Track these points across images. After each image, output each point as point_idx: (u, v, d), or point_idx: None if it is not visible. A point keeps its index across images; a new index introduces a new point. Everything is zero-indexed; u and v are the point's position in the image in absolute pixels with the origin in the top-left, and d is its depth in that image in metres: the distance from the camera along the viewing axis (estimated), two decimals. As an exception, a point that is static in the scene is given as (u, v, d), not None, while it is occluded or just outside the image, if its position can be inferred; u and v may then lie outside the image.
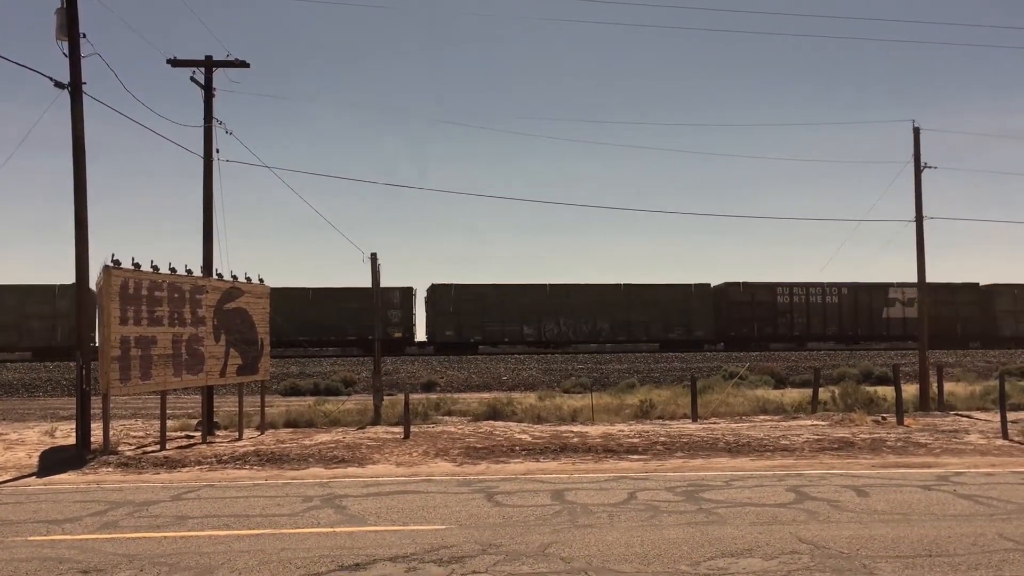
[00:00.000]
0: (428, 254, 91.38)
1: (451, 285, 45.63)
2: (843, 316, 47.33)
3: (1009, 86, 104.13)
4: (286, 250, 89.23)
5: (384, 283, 23.40)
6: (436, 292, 45.66)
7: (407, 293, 45.54)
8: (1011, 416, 17.70)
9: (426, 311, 46.53)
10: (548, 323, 46.02)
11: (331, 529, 8.87)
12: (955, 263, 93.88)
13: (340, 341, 45.05)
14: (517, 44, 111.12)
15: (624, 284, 46.88)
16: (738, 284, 46.88)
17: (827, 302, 47.19)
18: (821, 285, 47.12)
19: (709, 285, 47.42)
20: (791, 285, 47.12)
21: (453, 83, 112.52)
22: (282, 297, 42.76)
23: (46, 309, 41.94)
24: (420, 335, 46.65)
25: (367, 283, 23.33)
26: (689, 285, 46.89)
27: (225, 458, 14.64)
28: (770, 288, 47.14)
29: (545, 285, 46.56)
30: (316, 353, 43.41)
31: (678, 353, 42.99)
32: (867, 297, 47.48)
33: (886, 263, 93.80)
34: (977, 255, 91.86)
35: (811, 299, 47.19)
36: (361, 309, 42.14)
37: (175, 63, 20.06)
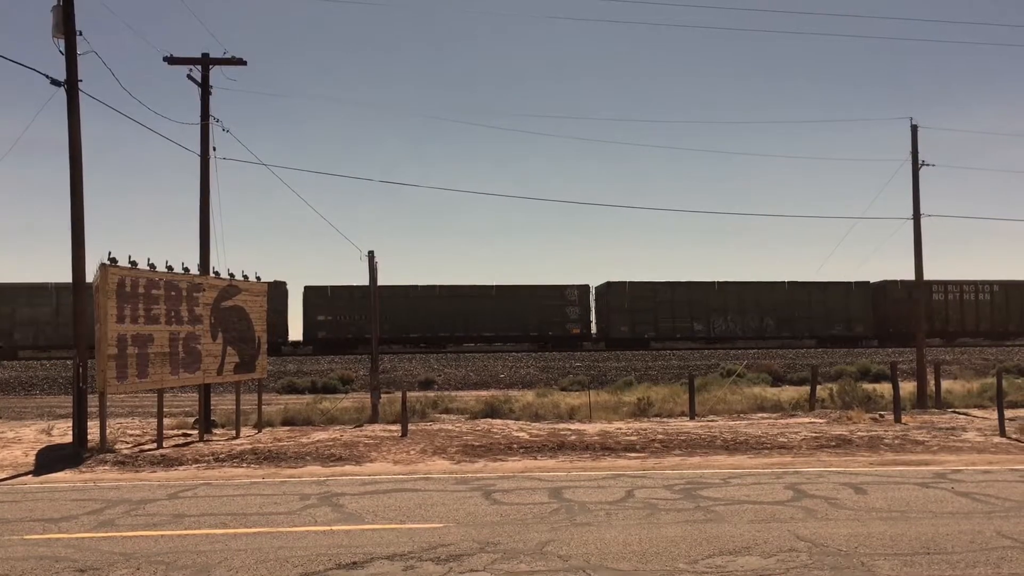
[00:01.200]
0: (430, 252, 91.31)
1: (625, 282, 46.40)
2: (994, 313, 48.33)
3: (1011, 86, 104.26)
4: (284, 247, 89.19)
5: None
6: (610, 289, 46.41)
7: (584, 290, 46.50)
8: (1008, 413, 17.72)
9: (596, 308, 47.15)
10: (717, 319, 46.89)
11: (328, 527, 8.86)
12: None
13: (488, 337, 45.88)
14: (521, 42, 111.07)
15: (788, 282, 47.58)
16: (896, 282, 47.54)
17: (979, 299, 48.29)
18: (974, 283, 48.23)
19: (868, 283, 48.31)
20: (945, 283, 48.03)
21: (453, 81, 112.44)
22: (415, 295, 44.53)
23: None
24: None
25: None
26: (849, 283, 47.74)
27: (222, 456, 14.62)
28: (926, 285, 47.49)
29: (714, 282, 47.35)
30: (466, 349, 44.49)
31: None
32: (1018, 294, 48.45)
33: (893, 260, 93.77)
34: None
35: (964, 296, 48.23)
36: (515, 307, 44.74)
37: (172, 61, 20.02)
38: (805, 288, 47.18)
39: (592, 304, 47.09)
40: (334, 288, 44.72)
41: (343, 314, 44.35)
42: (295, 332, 45.73)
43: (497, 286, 46.26)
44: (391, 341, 43.92)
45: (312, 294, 44.84)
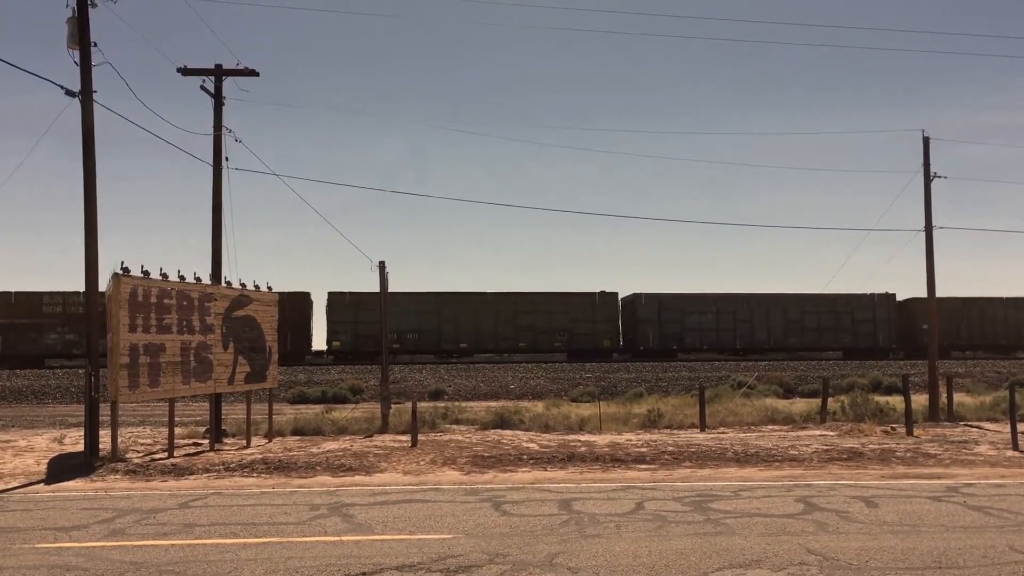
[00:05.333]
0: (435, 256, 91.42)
1: (655, 294, 46.48)
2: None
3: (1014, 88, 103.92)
4: (292, 255, 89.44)
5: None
6: (638, 300, 46.47)
7: (612, 299, 46.45)
8: (1021, 427, 17.55)
9: (623, 318, 47.00)
10: (743, 330, 46.86)
11: (338, 538, 8.86)
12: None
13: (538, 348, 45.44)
14: (521, 52, 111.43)
15: (816, 294, 46.03)
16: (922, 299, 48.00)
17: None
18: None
19: (894, 295, 48.31)
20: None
21: (457, 91, 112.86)
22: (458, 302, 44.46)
23: None
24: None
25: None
26: (873, 295, 47.49)
27: (233, 466, 14.65)
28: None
29: (742, 294, 47.36)
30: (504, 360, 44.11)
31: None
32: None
33: (908, 272, 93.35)
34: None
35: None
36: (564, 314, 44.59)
37: (186, 72, 20.16)
38: (830, 300, 46.86)
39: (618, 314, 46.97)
40: (356, 295, 44.10)
41: (367, 323, 43.88)
42: (318, 341, 45.67)
43: (524, 293, 45.86)
44: (417, 351, 44.14)
45: (336, 301, 44.43)
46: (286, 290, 39.75)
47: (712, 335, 46.47)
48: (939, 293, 25.68)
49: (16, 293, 41.92)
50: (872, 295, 47.29)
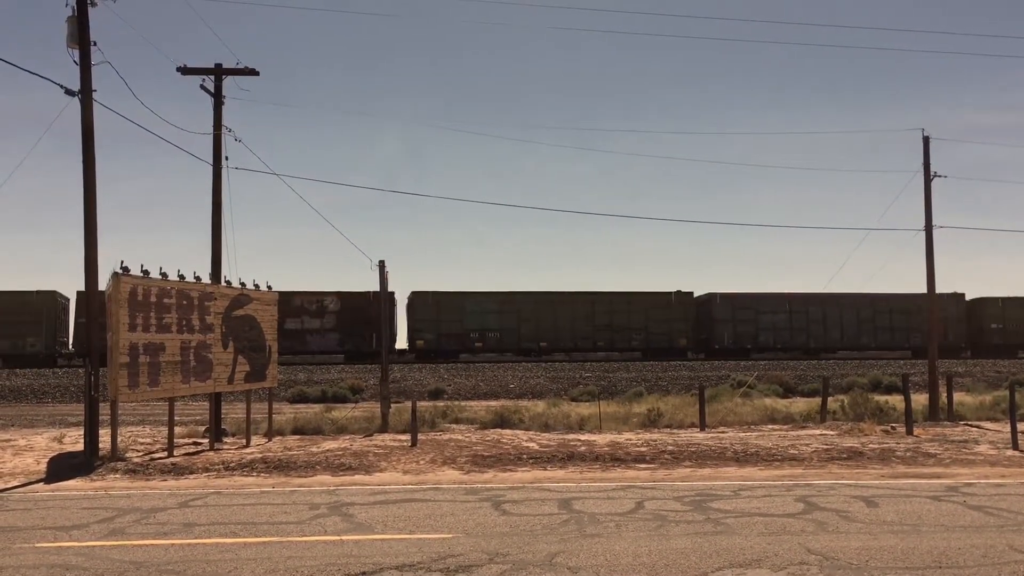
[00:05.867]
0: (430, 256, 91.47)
1: (729, 294, 46.99)
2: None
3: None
4: (291, 254, 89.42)
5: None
6: (713, 299, 46.83)
7: (687, 298, 46.85)
8: (1021, 426, 17.54)
9: (697, 317, 47.30)
10: (816, 330, 47.21)
11: (338, 537, 8.86)
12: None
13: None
14: (520, 52, 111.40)
15: (887, 294, 47.06)
16: (996, 299, 48.69)
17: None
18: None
19: (963, 296, 48.79)
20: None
21: (457, 90, 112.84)
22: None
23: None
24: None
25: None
26: (944, 294, 47.53)
27: (232, 465, 14.65)
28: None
29: (815, 294, 46.33)
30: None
31: (687, 362, 43.42)
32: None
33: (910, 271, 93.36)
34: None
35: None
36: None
37: (185, 71, 20.14)
38: (902, 300, 47.16)
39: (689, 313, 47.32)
40: (438, 294, 44.89)
41: (449, 322, 44.73)
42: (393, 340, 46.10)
43: (602, 292, 46.43)
44: (499, 349, 44.64)
45: (418, 300, 45.02)
46: (369, 289, 41.70)
47: (786, 334, 46.92)
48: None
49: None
50: (942, 295, 47.31)
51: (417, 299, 44.41)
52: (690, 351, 46.18)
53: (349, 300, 43.62)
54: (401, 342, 44.52)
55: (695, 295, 46.92)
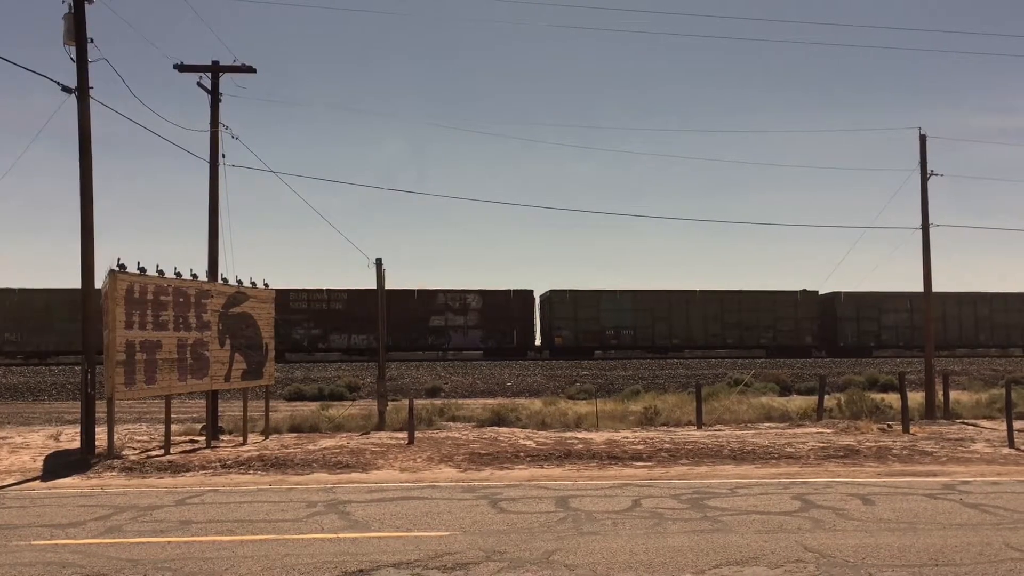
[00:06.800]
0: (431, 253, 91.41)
1: (853, 292, 47.27)
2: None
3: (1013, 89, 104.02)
4: (287, 251, 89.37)
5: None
6: (837, 298, 47.70)
7: (811, 296, 47.47)
8: (1017, 425, 17.61)
9: (821, 316, 48.07)
10: (938, 327, 47.62)
11: (335, 535, 8.86)
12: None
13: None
14: (519, 50, 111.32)
15: (992, 293, 48.40)
16: None
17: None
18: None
19: None
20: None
21: (454, 89, 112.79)
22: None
23: None
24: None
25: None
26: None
27: (229, 463, 14.64)
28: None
29: (940, 293, 47.41)
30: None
31: (685, 360, 43.67)
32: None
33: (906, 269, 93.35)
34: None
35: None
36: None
37: (182, 68, 20.08)
38: (1020, 298, 48.15)
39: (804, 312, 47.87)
40: (575, 292, 45.93)
41: (586, 320, 45.68)
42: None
43: (731, 291, 47.25)
44: (633, 347, 45.65)
45: (556, 298, 45.97)
46: (495, 287, 44.82)
47: (907, 333, 47.50)
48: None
49: None
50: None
51: (555, 297, 45.84)
52: (815, 349, 46.92)
53: (491, 298, 45.19)
54: (529, 339, 46.24)
55: (819, 293, 47.67)
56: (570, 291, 45.65)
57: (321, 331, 43.54)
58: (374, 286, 22.55)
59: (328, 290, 44.28)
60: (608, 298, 45.93)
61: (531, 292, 46.02)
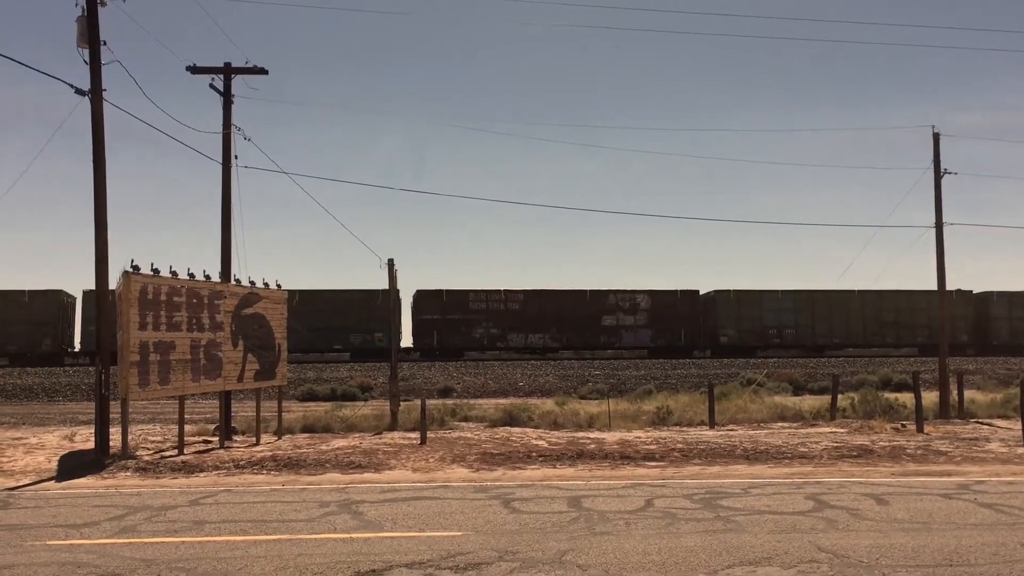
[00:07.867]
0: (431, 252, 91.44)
1: (978, 292, 48.59)
2: None
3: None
4: (298, 251, 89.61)
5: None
6: (979, 298, 48.56)
7: (966, 295, 48.31)
8: (1033, 424, 17.49)
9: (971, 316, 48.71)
10: None
11: (348, 535, 8.88)
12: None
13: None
14: (526, 50, 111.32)
15: None
16: None
17: None
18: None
19: None
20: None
21: (462, 88, 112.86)
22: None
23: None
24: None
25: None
26: None
27: (243, 463, 14.69)
28: None
29: None
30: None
31: (696, 360, 43.64)
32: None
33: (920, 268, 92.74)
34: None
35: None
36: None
37: (195, 70, 20.17)
38: None
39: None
40: (739, 292, 46.93)
41: (750, 319, 46.60)
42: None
43: (888, 291, 47.66)
44: (795, 345, 46.35)
45: (721, 298, 46.89)
46: (676, 288, 46.66)
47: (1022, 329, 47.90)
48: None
49: (447, 291, 45.06)
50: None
51: (719, 296, 46.81)
52: (968, 347, 47.06)
53: (659, 298, 46.37)
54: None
55: (973, 292, 48.23)
56: (734, 291, 46.68)
57: (500, 330, 44.86)
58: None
59: (505, 291, 45.57)
60: (771, 298, 46.79)
61: (697, 292, 47.09)
